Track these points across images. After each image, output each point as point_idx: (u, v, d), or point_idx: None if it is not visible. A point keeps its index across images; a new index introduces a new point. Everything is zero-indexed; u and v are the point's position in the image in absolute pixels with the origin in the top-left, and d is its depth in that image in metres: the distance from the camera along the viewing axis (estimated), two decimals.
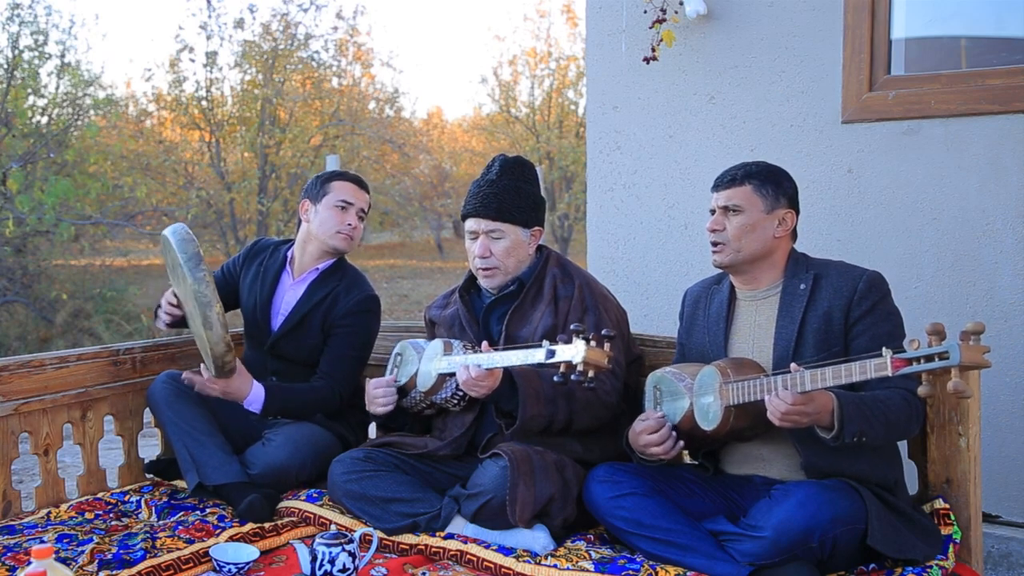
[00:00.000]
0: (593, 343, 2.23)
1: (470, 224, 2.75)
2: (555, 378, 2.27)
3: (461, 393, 2.61)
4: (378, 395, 2.77)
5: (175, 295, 2.88)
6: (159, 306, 2.99)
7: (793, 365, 2.12)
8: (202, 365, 2.81)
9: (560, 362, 2.26)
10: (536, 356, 2.33)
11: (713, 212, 2.47)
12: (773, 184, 2.43)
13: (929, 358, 1.87)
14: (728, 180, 2.44)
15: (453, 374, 2.56)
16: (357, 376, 3.05)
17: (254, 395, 2.85)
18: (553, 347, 2.29)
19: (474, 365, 2.45)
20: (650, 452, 2.38)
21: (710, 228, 2.44)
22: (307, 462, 2.84)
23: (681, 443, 2.38)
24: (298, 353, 3.05)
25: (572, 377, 2.25)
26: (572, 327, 2.27)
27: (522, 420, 2.50)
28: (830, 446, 2.14)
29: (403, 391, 2.77)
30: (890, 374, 1.93)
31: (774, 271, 2.45)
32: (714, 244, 2.45)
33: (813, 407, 2.08)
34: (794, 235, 2.47)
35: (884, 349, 1.94)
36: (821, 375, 2.04)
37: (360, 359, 3.08)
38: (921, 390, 1.92)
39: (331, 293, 3.03)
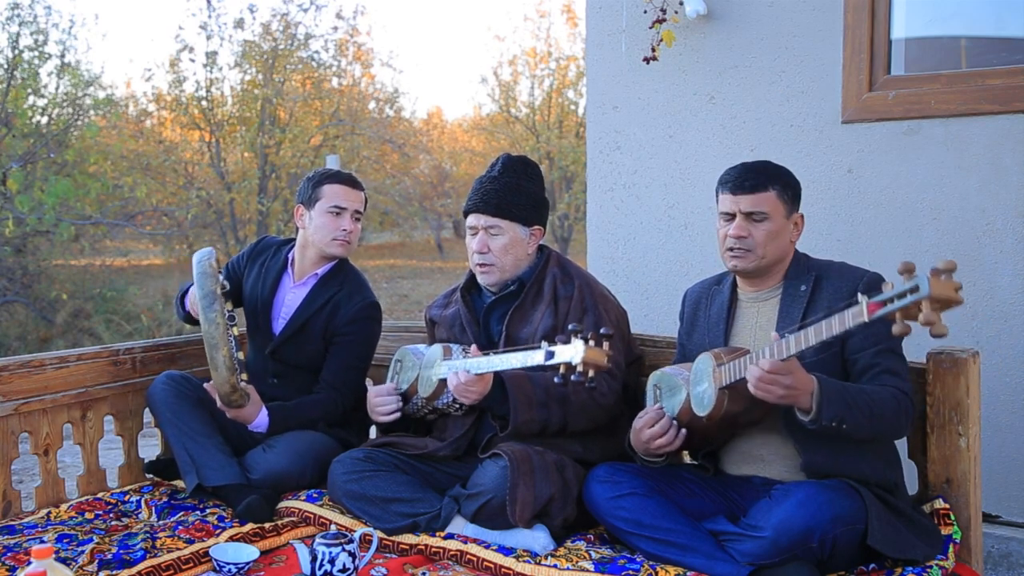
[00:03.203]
0: (591, 342, 2.23)
1: (470, 220, 2.76)
2: (555, 379, 2.28)
3: None
4: (379, 404, 2.79)
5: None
6: (185, 292, 2.99)
7: (774, 334, 2.11)
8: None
9: (560, 363, 2.26)
10: (535, 358, 2.33)
11: (729, 216, 2.39)
12: (792, 189, 2.41)
13: (901, 295, 1.81)
14: (751, 186, 2.36)
15: None
16: (360, 385, 3.05)
17: (260, 420, 2.86)
18: (552, 348, 2.29)
19: (463, 371, 2.45)
20: (654, 445, 2.37)
21: (735, 235, 2.36)
22: (308, 468, 2.83)
23: (684, 431, 2.37)
24: (299, 359, 3.04)
25: (572, 378, 2.25)
26: (570, 327, 2.27)
27: (514, 425, 2.51)
28: (817, 435, 2.14)
29: (405, 397, 2.78)
30: (867, 319, 1.87)
31: (779, 273, 2.44)
32: (735, 250, 2.38)
33: (791, 380, 2.07)
34: None
35: (859, 295, 1.90)
36: (804, 336, 2.02)
37: (362, 368, 3.07)
38: (895, 328, 1.83)
39: (332, 299, 3.02)
